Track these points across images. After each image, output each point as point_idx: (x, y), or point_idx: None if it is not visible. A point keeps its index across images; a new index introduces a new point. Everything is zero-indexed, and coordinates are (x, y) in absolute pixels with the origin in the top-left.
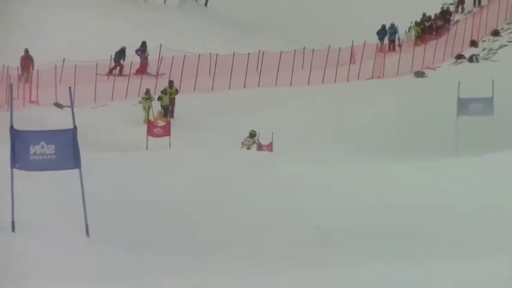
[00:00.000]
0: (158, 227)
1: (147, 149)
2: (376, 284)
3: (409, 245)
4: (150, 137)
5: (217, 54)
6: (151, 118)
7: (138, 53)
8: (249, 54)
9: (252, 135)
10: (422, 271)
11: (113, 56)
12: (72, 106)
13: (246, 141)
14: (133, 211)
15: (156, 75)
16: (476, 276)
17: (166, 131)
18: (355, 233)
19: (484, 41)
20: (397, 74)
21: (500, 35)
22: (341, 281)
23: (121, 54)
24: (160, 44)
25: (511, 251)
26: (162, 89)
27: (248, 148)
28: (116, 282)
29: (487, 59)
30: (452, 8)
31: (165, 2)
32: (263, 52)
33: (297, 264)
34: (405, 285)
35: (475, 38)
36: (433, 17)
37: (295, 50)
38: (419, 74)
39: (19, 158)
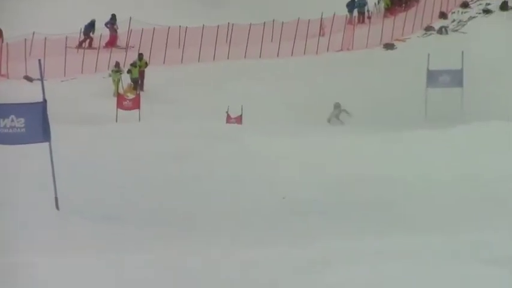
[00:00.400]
0: (127, 199)
1: (116, 121)
2: (346, 257)
3: (378, 216)
4: (119, 110)
5: (186, 27)
6: (121, 91)
7: (108, 26)
8: (218, 26)
9: (337, 106)
10: (391, 243)
11: (83, 29)
12: (42, 79)
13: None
14: (103, 184)
15: (125, 48)
16: (448, 247)
17: (136, 104)
18: (323, 205)
19: (454, 12)
20: (367, 46)
21: (470, 7)
22: (309, 253)
23: (90, 27)
24: (130, 17)
25: (480, 220)
26: (131, 61)
27: (336, 116)
28: (83, 255)
29: (456, 30)
30: None
31: None
32: (232, 25)
33: (264, 235)
34: (375, 257)
35: (444, 9)
36: None
37: (264, 22)
38: (389, 46)
39: None
